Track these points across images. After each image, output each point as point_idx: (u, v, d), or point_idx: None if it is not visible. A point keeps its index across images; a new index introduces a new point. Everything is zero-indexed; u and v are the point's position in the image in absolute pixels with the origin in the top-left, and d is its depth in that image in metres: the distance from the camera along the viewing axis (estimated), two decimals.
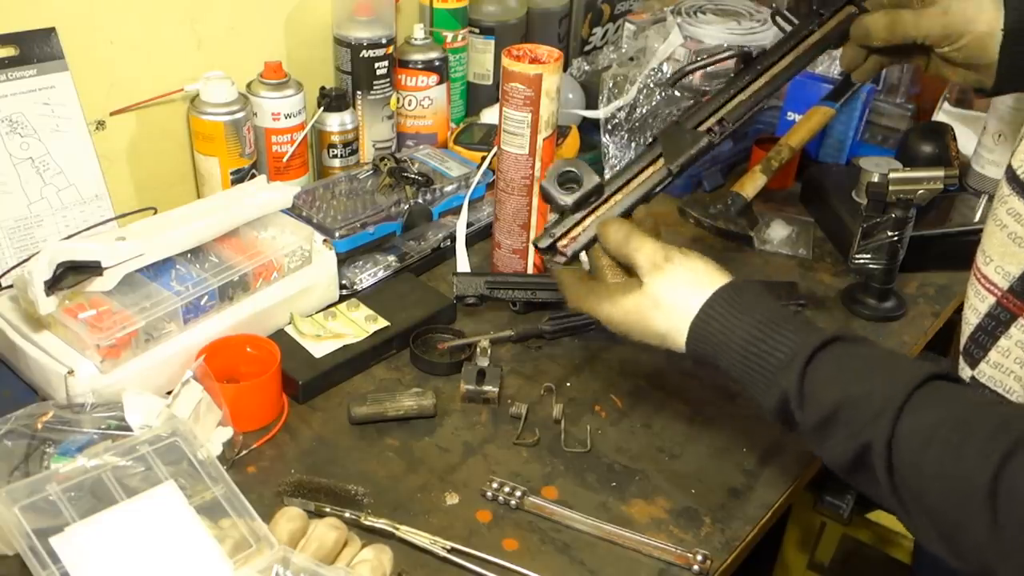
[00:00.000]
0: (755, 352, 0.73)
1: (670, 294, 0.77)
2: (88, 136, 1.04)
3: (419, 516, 0.83)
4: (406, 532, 0.80)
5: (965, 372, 0.85)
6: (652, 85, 1.33)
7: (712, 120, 0.90)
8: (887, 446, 0.65)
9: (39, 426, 0.81)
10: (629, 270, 0.81)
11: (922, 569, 1.10)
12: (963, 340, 0.86)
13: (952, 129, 1.33)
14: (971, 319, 0.84)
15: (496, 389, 0.95)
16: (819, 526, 1.56)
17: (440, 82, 1.30)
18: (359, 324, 1.01)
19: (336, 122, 1.21)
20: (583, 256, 0.84)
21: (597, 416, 0.96)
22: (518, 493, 0.84)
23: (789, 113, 1.40)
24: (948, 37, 0.90)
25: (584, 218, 0.86)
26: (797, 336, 0.72)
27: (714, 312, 0.75)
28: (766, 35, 1.37)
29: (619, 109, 1.33)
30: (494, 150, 1.11)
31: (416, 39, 1.28)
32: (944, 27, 0.90)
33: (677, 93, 1.34)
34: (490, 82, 1.42)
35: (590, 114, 1.36)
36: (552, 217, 0.88)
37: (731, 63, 1.34)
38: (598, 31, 1.54)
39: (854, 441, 0.68)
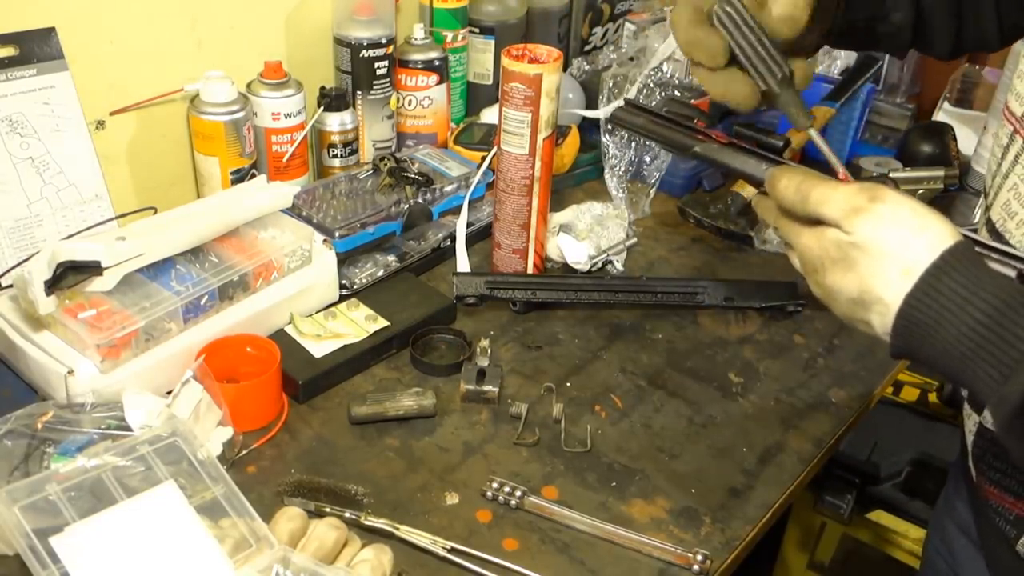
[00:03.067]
0: (998, 321, 0.58)
1: (882, 241, 0.62)
2: (88, 136, 1.04)
3: (419, 516, 0.83)
4: (406, 532, 0.80)
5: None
6: (652, 85, 1.33)
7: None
8: None
9: (39, 426, 0.81)
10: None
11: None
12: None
13: (952, 129, 1.33)
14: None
15: (496, 389, 0.95)
16: (819, 526, 1.56)
17: (440, 82, 1.30)
18: (359, 324, 1.01)
19: (336, 122, 1.21)
20: None
21: (597, 416, 0.96)
22: (518, 493, 0.84)
23: None
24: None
25: None
26: None
27: (941, 273, 0.60)
28: None
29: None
30: (494, 150, 1.11)
31: (416, 39, 1.28)
32: None
33: (677, 93, 1.34)
34: (490, 82, 1.42)
35: (590, 114, 1.36)
36: None
37: None
38: (598, 31, 1.54)
39: None
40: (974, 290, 0.59)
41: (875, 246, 0.62)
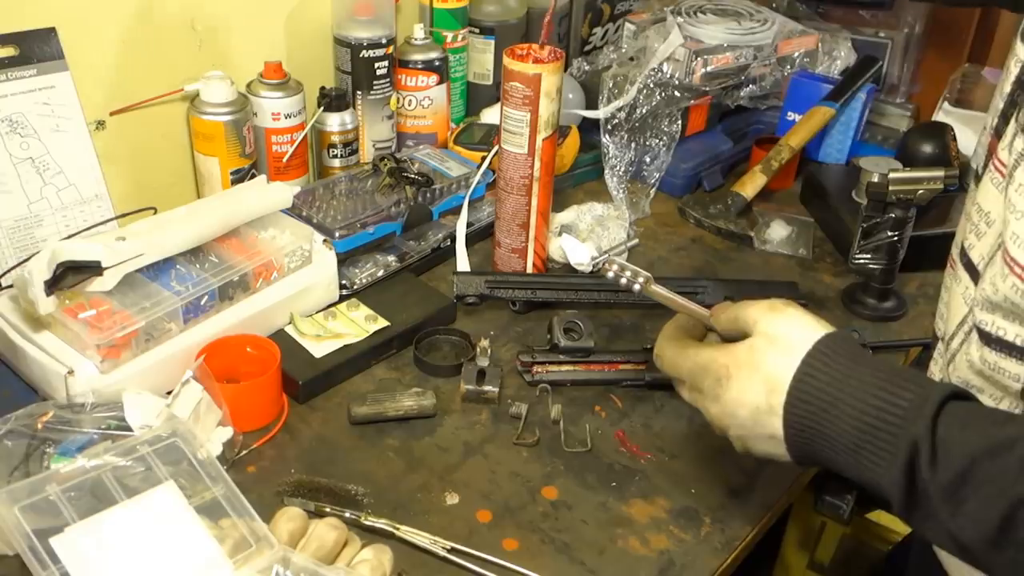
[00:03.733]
0: (876, 402, 0.63)
1: (787, 331, 0.69)
2: (88, 136, 1.04)
3: (419, 516, 0.83)
4: (406, 532, 0.80)
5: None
6: (652, 85, 1.33)
7: None
8: None
9: (39, 426, 0.81)
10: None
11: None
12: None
13: (952, 129, 1.33)
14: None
15: (496, 389, 0.95)
16: (819, 526, 1.56)
17: (440, 82, 1.30)
18: (359, 324, 1.01)
19: (336, 122, 1.21)
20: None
21: (597, 416, 0.96)
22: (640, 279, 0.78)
23: (789, 113, 1.41)
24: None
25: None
26: (922, 383, 0.64)
27: (829, 349, 0.67)
28: (766, 35, 1.37)
29: (619, 109, 1.33)
30: (494, 150, 1.11)
31: (416, 39, 1.28)
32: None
33: (677, 93, 1.34)
34: (490, 82, 1.42)
35: (590, 114, 1.36)
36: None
37: (730, 62, 1.35)
38: (598, 31, 1.54)
39: (1001, 499, 0.57)
40: (850, 369, 0.65)
41: (779, 337, 0.69)
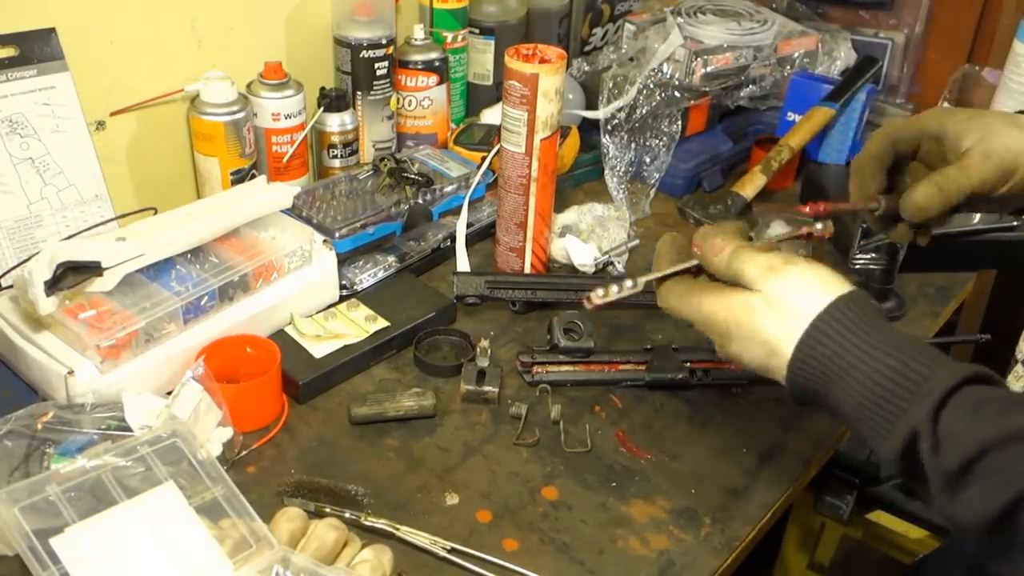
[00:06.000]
0: (880, 379, 0.62)
1: (788, 295, 0.67)
2: (88, 136, 1.04)
3: (419, 516, 0.83)
4: (406, 532, 0.80)
5: None
6: (652, 85, 1.33)
7: None
8: None
9: (39, 426, 0.81)
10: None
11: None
12: None
13: None
14: None
15: (496, 389, 0.95)
16: (819, 526, 1.56)
17: (440, 82, 1.30)
18: (359, 324, 1.01)
19: (336, 122, 1.21)
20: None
21: (597, 416, 0.96)
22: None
23: (789, 113, 1.41)
24: (1004, 177, 0.78)
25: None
26: (933, 363, 0.62)
27: (834, 320, 0.65)
28: (766, 35, 1.37)
29: (619, 109, 1.33)
30: (494, 150, 1.11)
31: (416, 39, 1.28)
32: (996, 169, 0.78)
33: (677, 94, 1.34)
34: (490, 82, 1.42)
35: (590, 114, 1.36)
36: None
37: (730, 62, 1.35)
38: (598, 31, 1.54)
39: (1005, 491, 0.56)
40: (857, 338, 0.64)
41: (781, 301, 0.67)
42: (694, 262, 0.75)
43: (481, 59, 1.40)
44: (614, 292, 0.76)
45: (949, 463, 0.59)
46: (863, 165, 0.82)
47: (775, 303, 0.67)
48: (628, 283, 0.76)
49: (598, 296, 0.76)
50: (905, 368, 0.62)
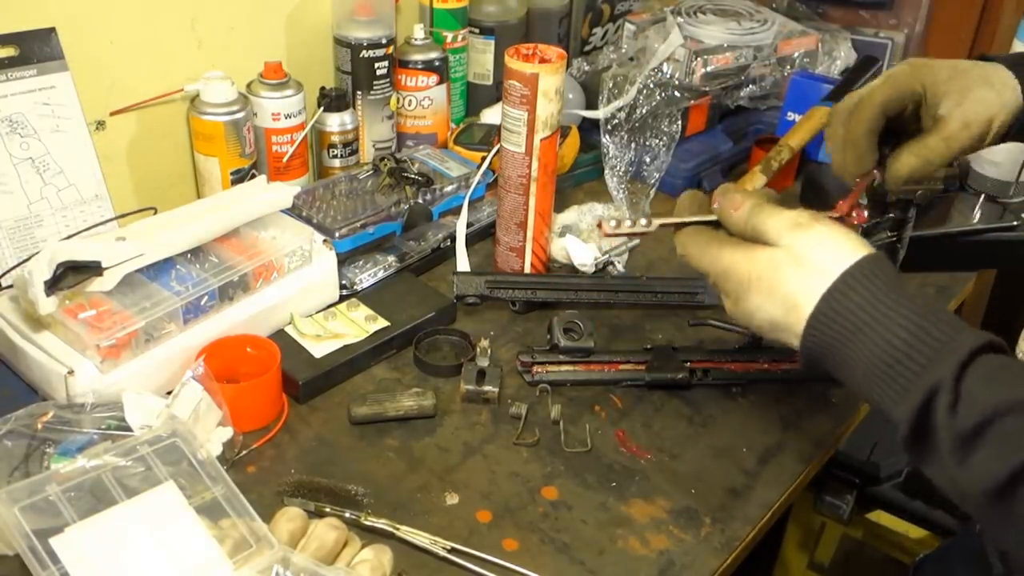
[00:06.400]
0: (904, 335, 0.61)
1: (815, 250, 0.66)
2: (88, 136, 1.04)
3: (419, 516, 0.83)
4: (406, 532, 0.80)
5: None
6: (652, 85, 1.33)
7: None
8: None
9: (39, 426, 0.81)
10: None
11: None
12: None
13: None
14: None
15: (496, 389, 0.95)
16: (819, 526, 1.56)
17: (440, 82, 1.30)
18: (359, 324, 1.01)
19: (336, 122, 1.21)
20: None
21: (597, 416, 0.96)
22: None
23: (789, 113, 1.40)
24: (979, 141, 0.80)
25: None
26: (957, 327, 0.61)
27: (863, 275, 0.64)
28: (766, 35, 1.37)
29: (619, 109, 1.33)
30: (494, 150, 1.11)
31: (416, 39, 1.28)
32: (973, 136, 0.79)
33: (677, 94, 1.34)
34: (490, 82, 1.42)
35: (590, 114, 1.36)
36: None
37: (730, 62, 1.35)
38: (598, 31, 1.54)
39: (1016, 457, 0.56)
40: (881, 297, 0.63)
41: (807, 257, 0.66)
42: (712, 217, 0.74)
43: (481, 59, 1.40)
44: (627, 225, 0.76)
45: (964, 424, 0.58)
46: (859, 140, 0.80)
47: (801, 258, 0.66)
48: (643, 221, 0.76)
49: (610, 227, 0.76)
50: (930, 326, 0.61)
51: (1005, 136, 0.82)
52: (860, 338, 0.63)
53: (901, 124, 0.82)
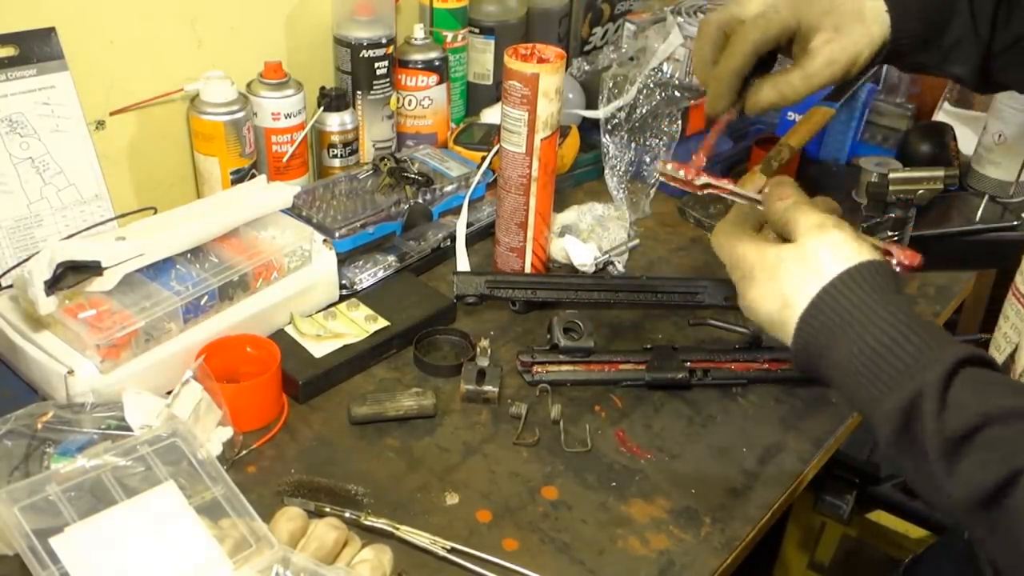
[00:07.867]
0: (893, 335, 0.62)
1: (820, 252, 0.67)
2: (88, 136, 1.04)
3: (419, 516, 0.83)
4: (406, 532, 0.80)
5: None
6: (652, 85, 1.33)
7: None
8: None
9: (39, 426, 0.81)
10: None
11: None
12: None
13: (952, 129, 1.33)
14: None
15: (496, 389, 0.95)
16: (819, 526, 1.56)
17: (440, 82, 1.30)
18: (359, 324, 1.01)
19: (336, 122, 1.21)
20: None
21: (597, 416, 0.96)
22: None
23: (789, 113, 1.41)
24: (842, 76, 0.82)
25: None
26: (945, 338, 0.62)
27: (859, 277, 0.65)
28: None
29: (619, 109, 1.33)
30: (494, 150, 1.11)
31: (416, 39, 1.28)
32: (836, 73, 0.81)
33: (677, 93, 1.34)
34: (490, 82, 1.42)
35: (590, 114, 1.36)
36: None
37: None
38: (598, 31, 1.54)
39: (1003, 466, 0.56)
40: (873, 300, 0.64)
41: (811, 257, 0.68)
42: (758, 197, 0.77)
43: (481, 59, 1.40)
44: (681, 174, 0.78)
45: (952, 428, 0.58)
46: (725, 79, 0.81)
47: (806, 257, 0.68)
48: (702, 179, 0.79)
49: (667, 169, 0.79)
50: (919, 331, 0.62)
51: (865, 70, 0.84)
52: (849, 332, 0.64)
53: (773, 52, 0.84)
